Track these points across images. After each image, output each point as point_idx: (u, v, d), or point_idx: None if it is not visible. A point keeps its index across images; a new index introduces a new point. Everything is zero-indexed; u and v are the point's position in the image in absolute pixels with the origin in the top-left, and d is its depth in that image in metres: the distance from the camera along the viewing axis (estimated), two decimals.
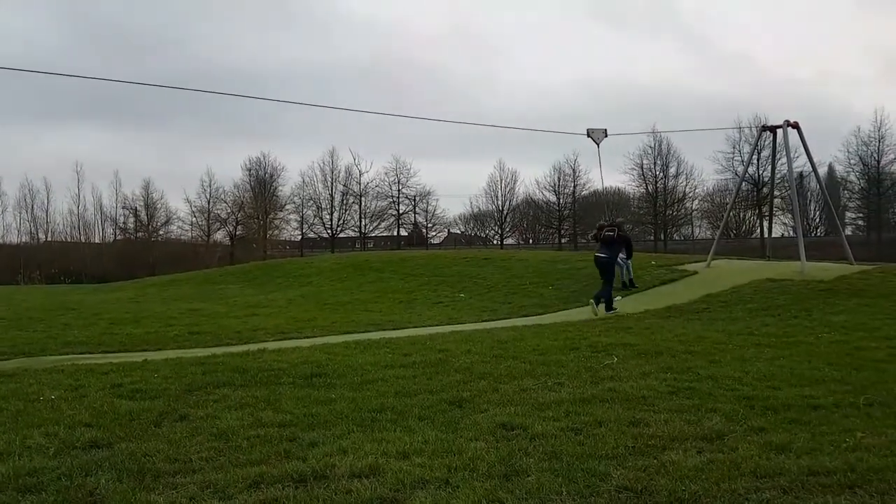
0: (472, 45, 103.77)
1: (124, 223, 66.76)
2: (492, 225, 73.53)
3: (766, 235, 48.59)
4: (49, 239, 63.58)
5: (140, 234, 65.72)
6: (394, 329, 11.32)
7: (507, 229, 73.04)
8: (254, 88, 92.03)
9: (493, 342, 8.68)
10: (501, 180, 70.19)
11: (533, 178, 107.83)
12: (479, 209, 73.20)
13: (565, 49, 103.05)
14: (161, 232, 66.70)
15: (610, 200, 73.70)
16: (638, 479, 3.63)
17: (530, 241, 75.86)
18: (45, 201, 64.17)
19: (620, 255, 14.35)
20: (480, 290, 17.76)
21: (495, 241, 71.50)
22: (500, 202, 70.78)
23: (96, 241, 64.91)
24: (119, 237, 66.42)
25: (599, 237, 13.63)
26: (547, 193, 69.61)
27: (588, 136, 16.26)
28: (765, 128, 19.04)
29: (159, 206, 66.19)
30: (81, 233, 64.53)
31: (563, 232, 70.94)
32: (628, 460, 3.96)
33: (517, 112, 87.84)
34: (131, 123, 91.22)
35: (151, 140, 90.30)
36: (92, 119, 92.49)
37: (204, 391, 5.97)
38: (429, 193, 70.17)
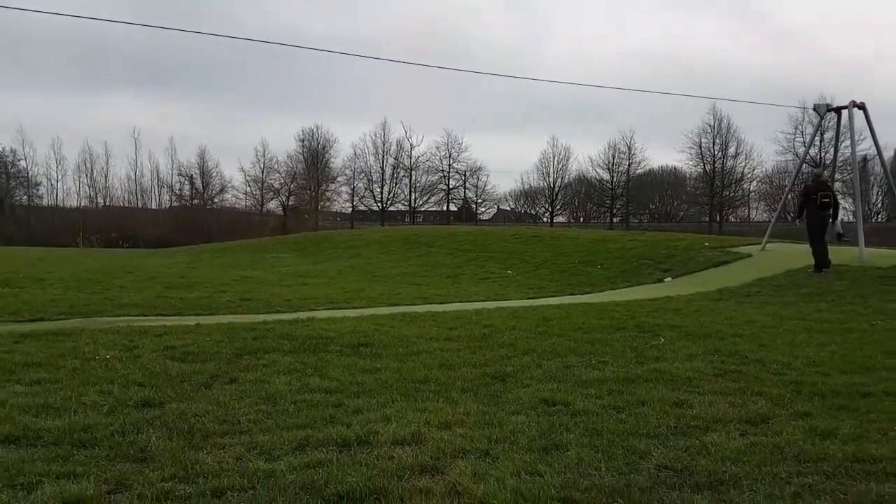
0: (520, 15, 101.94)
1: (180, 190, 68.21)
2: (542, 202, 72.94)
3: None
4: (107, 203, 65.14)
5: (195, 202, 66.95)
6: (440, 303, 11.40)
7: (558, 207, 72.41)
8: (300, 60, 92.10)
9: (538, 319, 8.68)
10: (554, 157, 69.54)
11: (586, 154, 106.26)
12: (530, 186, 72.72)
13: (615, 21, 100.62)
14: (216, 200, 68.00)
15: (665, 180, 72.30)
16: (678, 459, 3.63)
17: (581, 219, 75.07)
18: (105, 166, 65.77)
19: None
20: (528, 268, 17.74)
21: (545, 219, 70.96)
22: (551, 179, 70.15)
23: (153, 206, 66.76)
24: (175, 204, 67.83)
25: (818, 203, 13.85)
26: (600, 171, 68.65)
27: (814, 110, 19.70)
28: (829, 108, 18.36)
29: (214, 174, 67.44)
30: (138, 198, 66.51)
31: (615, 211, 69.91)
32: (670, 440, 3.95)
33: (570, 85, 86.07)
34: (186, 92, 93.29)
35: (205, 109, 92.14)
36: (147, 87, 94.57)
37: (254, 356, 6.12)
38: (479, 169, 70.08)
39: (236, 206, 68.32)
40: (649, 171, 70.23)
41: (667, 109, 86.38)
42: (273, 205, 68.51)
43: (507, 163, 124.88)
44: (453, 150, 69.20)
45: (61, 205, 65.15)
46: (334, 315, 9.11)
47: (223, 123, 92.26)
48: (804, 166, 49.40)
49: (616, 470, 3.49)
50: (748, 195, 68.02)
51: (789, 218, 16.46)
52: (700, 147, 63.90)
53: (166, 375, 5.32)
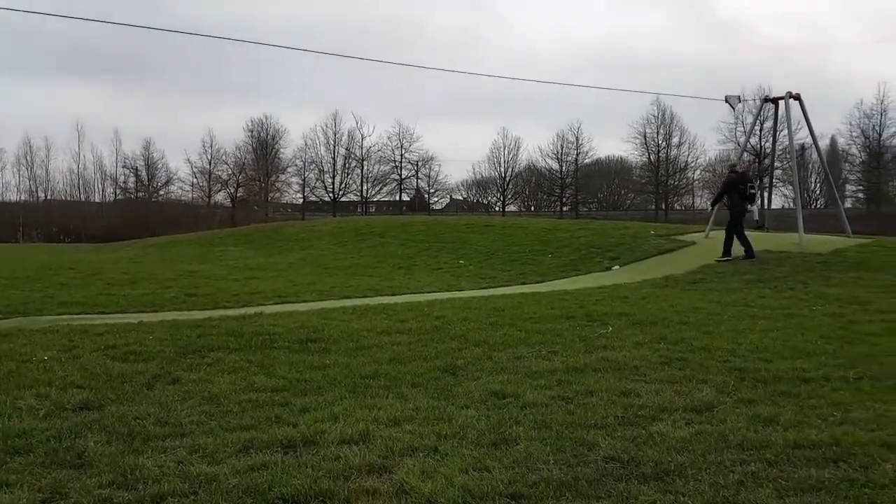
0: (459, 5, 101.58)
1: (125, 183, 66.37)
2: (494, 192, 73.28)
3: (765, 207, 48.42)
4: (49, 197, 62.58)
5: (141, 194, 64.91)
6: (392, 295, 11.27)
7: (510, 196, 72.87)
8: (247, 49, 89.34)
9: (489, 309, 8.65)
10: (504, 147, 69.92)
11: (536, 144, 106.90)
12: (482, 176, 73.00)
13: (555, 12, 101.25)
14: (162, 192, 66.14)
15: (612, 169, 73.44)
16: (625, 450, 3.63)
17: (532, 208, 75.67)
18: (45, 159, 63.35)
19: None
20: (480, 257, 17.74)
21: (497, 208, 71.31)
22: (502, 169, 70.50)
23: (96, 200, 64.28)
24: (120, 197, 65.84)
25: (746, 195, 14.13)
26: (549, 161, 69.29)
27: (726, 101, 17.73)
28: (766, 99, 18.80)
29: (160, 165, 65.61)
30: (81, 192, 63.93)
31: (564, 200, 70.68)
32: (617, 430, 3.96)
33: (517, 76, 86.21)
34: (129, 82, 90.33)
35: (150, 99, 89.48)
36: (88, 76, 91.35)
37: (198, 354, 5.91)
38: (431, 159, 70.04)
39: (183, 198, 66.53)
40: (597, 160, 71.30)
41: (613, 99, 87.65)
42: (221, 196, 67.03)
43: (458, 153, 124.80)
44: (405, 141, 69.02)
45: (0, 199, 62.52)
46: (283, 310, 8.89)
47: (168, 114, 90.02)
48: (745, 155, 50.72)
49: (564, 463, 3.47)
50: (692, 183, 69.59)
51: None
52: (645, 137, 65.20)
53: (107, 376, 5.11)
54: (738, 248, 13.92)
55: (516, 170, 71.36)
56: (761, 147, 55.86)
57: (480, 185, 74.53)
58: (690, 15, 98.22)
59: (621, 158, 71.08)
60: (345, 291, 11.81)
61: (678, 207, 69.37)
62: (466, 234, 21.13)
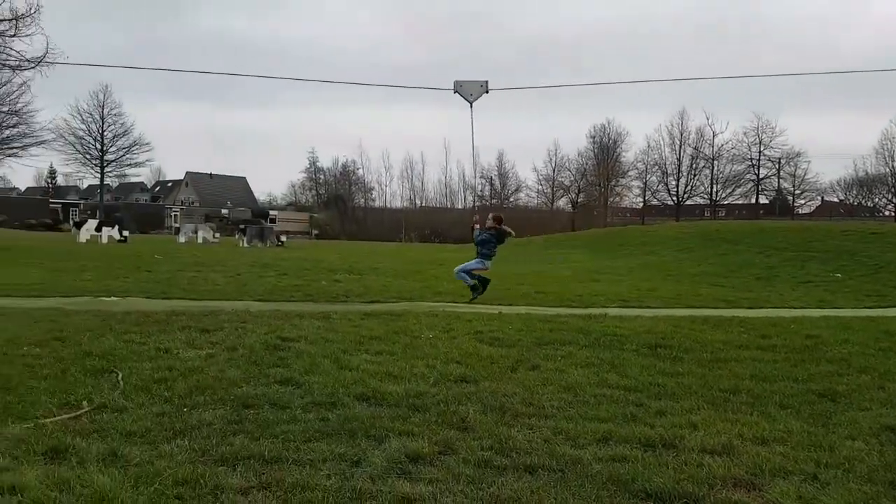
0: None
1: (481, 191, 78.49)
2: (884, 192, 64.32)
3: None
4: (423, 204, 79.44)
5: (494, 201, 75.94)
6: (748, 307, 10.86)
7: None
8: (587, 59, 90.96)
9: (878, 332, 7.94)
10: None
11: None
12: (866, 173, 64.50)
13: None
14: (511, 199, 76.76)
15: None
16: None
17: None
18: (421, 172, 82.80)
19: None
20: (864, 271, 16.01)
21: (887, 212, 62.60)
22: None
23: (459, 207, 78.08)
24: (477, 204, 77.50)
25: None
26: None
27: (455, 91, 8.75)
28: None
29: (510, 175, 76.80)
30: (448, 199, 79.46)
31: None
32: None
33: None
34: (485, 99, 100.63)
35: (504, 114, 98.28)
36: (446, 101, 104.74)
37: (551, 346, 6.66)
38: (797, 155, 64.32)
39: (529, 204, 75.89)
40: None
41: None
42: (563, 202, 74.37)
43: (834, 146, 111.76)
44: (764, 136, 64.53)
45: (388, 206, 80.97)
46: (627, 313, 9.33)
47: (520, 126, 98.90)
48: None
49: None
50: None
51: None
52: None
53: (478, 356, 6.07)
54: None
55: None
56: None
57: (864, 184, 65.90)
58: None
59: None
60: (691, 300, 11.73)
61: None
62: (844, 243, 19.20)
